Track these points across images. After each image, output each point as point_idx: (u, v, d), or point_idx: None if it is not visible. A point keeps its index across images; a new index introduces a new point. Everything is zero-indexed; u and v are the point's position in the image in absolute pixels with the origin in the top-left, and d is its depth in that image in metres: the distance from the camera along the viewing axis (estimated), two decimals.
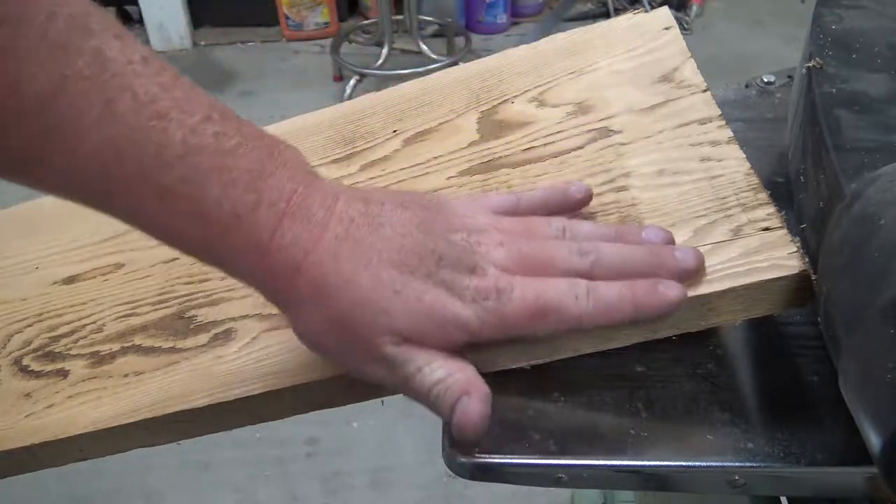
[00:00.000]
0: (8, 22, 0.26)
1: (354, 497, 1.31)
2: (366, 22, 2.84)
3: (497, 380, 0.36)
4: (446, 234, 0.34)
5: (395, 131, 0.51)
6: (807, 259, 0.33)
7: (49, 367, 0.45)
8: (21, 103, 0.27)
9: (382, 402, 0.40)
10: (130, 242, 0.52)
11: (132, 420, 0.40)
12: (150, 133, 0.29)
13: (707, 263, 0.35)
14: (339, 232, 0.32)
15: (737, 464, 0.33)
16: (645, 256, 0.34)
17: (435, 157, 0.48)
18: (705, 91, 0.44)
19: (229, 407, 0.39)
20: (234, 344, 0.42)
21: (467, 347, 0.34)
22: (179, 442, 0.42)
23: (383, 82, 2.45)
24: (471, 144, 0.48)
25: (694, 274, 0.34)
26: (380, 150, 0.50)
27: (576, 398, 0.36)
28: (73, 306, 0.49)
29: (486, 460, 0.34)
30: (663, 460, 0.33)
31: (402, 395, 0.35)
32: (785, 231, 0.35)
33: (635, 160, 0.42)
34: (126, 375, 0.43)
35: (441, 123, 0.50)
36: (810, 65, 0.40)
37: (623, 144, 0.43)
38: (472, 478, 0.35)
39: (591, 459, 0.34)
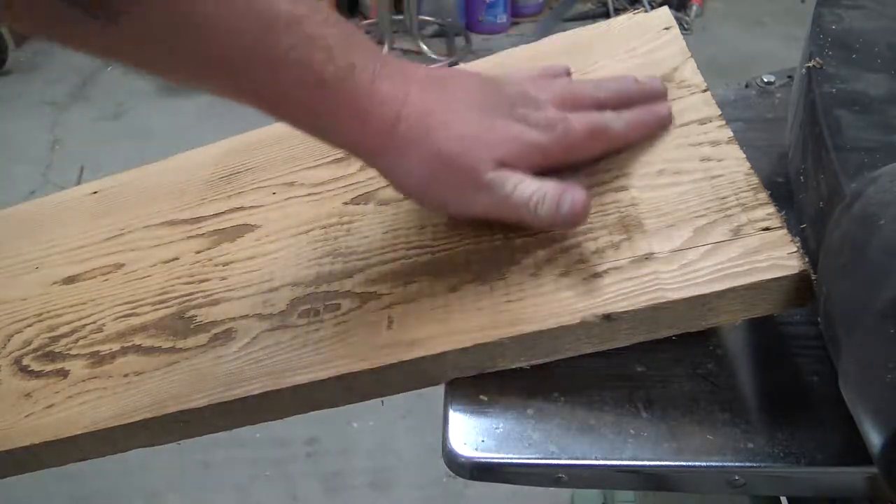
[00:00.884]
0: None
1: (354, 497, 1.31)
2: (366, 22, 2.84)
3: (497, 380, 0.37)
4: (507, 86, 0.41)
5: None
6: (807, 259, 0.33)
7: (49, 367, 0.45)
8: None
9: (382, 402, 0.40)
10: (130, 242, 0.52)
11: (132, 420, 0.40)
12: (261, 8, 0.32)
13: (707, 263, 0.35)
14: (422, 87, 0.37)
15: (737, 464, 0.33)
16: (633, 85, 0.44)
17: None
18: (705, 91, 0.44)
19: (229, 407, 0.39)
20: (234, 344, 0.42)
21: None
22: (179, 442, 0.42)
23: None
24: None
25: (664, 92, 0.44)
26: None
27: (576, 398, 0.36)
28: (73, 306, 0.49)
29: (486, 460, 0.35)
30: (663, 460, 0.33)
31: (400, 393, 0.35)
32: (785, 231, 0.35)
33: (635, 160, 0.42)
34: (126, 375, 0.43)
35: None
36: (810, 65, 0.40)
37: None
38: (472, 477, 0.35)
39: (591, 459, 0.34)
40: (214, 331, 0.43)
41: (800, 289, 0.33)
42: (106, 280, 0.50)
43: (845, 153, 0.34)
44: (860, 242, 0.28)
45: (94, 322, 0.47)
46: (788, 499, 0.40)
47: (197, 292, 0.46)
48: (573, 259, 0.38)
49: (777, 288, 0.33)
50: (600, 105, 0.42)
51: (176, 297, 0.46)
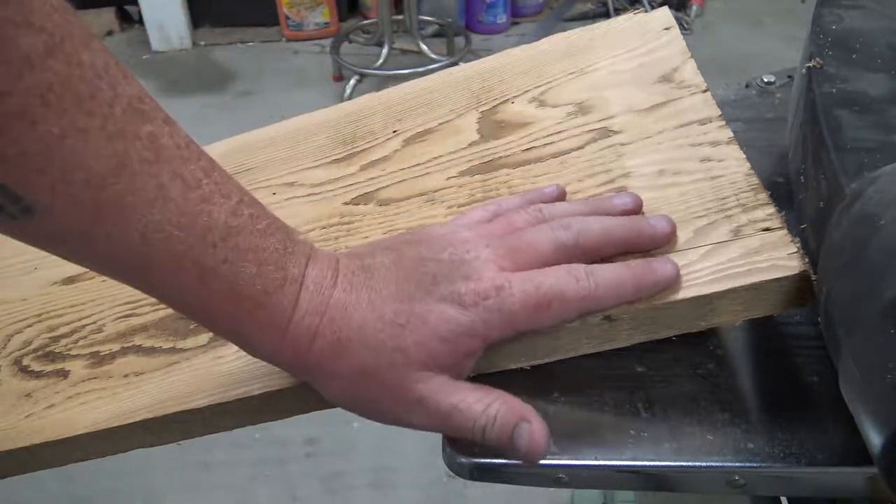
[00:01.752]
0: (74, 106, 0.26)
1: (354, 497, 1.31)
2: (366, 22, 2.84)
3: (497, 380, 0.36)
4: (434, 255, 0.34)
5: (395, 131, 0.51)
6: (807, 259, 0.33)
7: (49, 368, 0.45)
8: (79, 182, 0.27)
9: None
10: None
11: (132, 420, 0.40)
12: (198, 216, 0.29)
13: (707, 264, 0.35)
14: (346, 286, 0.33)
15: (737, 464, 0.33)
16: (624, 223, 0.36)
17: (435, 158, 0.48)
18: (705, 91, 0.44)
19: (229, 407, 0.39)
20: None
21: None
22: (179, 442, 0.42)
23: (383, 82, 2.45)
24: (471, 144, 0.48)
25: (670, 237, 0.36)
26: (380, 150, 0.50)
27: (576, 398, 0.36)
28: (73, 306, 0.49)
29: (486, 460, 0.35)
30: (663, 460, 0.33)
31: None
32: (785, 231, 0.35)
33: (635, 160, 0.42)
34: (126, 376, 0.43)
35: (441, 123, 0.50)
36: (810, 65, 0.40)
37: (623, 145, 0.43)
38: (472, 478, 0.35)
39: (591, 459, 0.34)
40: None
41: (800, 289, 0.33)
42: (105, 280, 0.50)
43: (845, 153, 0.34)
44: (860, 242, 0.28)
45: (94, 322, 0.47)
46: (788, 499, 0.40)
47: None
48: None
49: (777, 288, 0.33)
50: (570, 253, 0.34)
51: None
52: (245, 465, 1.36)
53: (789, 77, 0.56)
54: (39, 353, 0.47)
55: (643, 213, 0.38)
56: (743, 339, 0.38)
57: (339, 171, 0.50)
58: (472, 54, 2.53)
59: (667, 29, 0.50)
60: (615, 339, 0.36)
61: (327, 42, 2.74)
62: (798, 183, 0.41)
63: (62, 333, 0.47)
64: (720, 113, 0.42)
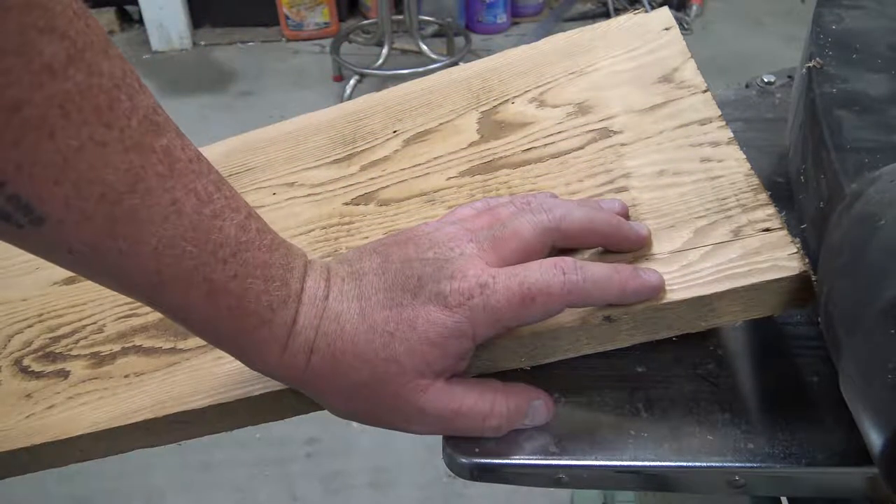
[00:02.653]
0: (94, 117, 0.25)
1: (354, 497, 1.31)
2: (366, 22, 2.84)
3: (497, 380, 0.36)
4: (419, 255, 0.34)
5: (395, 131, 0.51)
6: (807, 259, 0.33)
7: (49, 368, 0.45)
8: (95, 196, 0.26)
9: None
10: None
11: (133, 421, 0.40)
12: (210, 232, 0.29)
13: (707, 264, 0.35)
14: (337, 295, 0.33)
15: (737, 464, 0.33)
16: (606, 216, 0.36)
17: (435, 158, 0.48)
18: (705, 91, 0.44)
19: (230, 408, 0.39)
20: None
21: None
22: (180, 443, 0.42)
23: (383, 82, 2.45)
24: (471, 145, 0.48)
25: (645, 242, 0.36)
26: (380, 151, 0.50)
27: (576, 398, 0.36)
28: (73, 307, 0.49)
29: (486, 460, 0.35)
30: (663, 460, 0.33)
31: None
32: (785, 232, 0.35)
33: (635, 161, 0.42)
34: (126, 376, 0.43)
35: (441, 124, 0.50)
36: (810, 65, 0.40)
37: (623, 145, 0.43)
38: (472, 478, 0.35)
39: (591, 459, 0.34)
40: None
41: (800, 289, 0.33)
42: None
43: (845, 153, 0.34)
44: (860, 242, 0.28)
45: (94, 322, 0.47)
46: (788, 499, 0.40)
47: None
48: None
49: (777, 289, 0.33)
50: (552, 235, 0.35)
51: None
52: (245, 465, 1.36)
53: (789, 77, 0.56)
54: (40, 353, 0.47)
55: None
56: (743, 339, 0.38)
57: (340, 172, 0.50)
58: (472, 54, 2.53)
59: (667, 29, 0.50)
60: (615, 339, 0.36)
61: (327, 42, 2.75)
62: (798, 183, 0.41)
63: (62, 334, 0.47)
64: (720, 113, 0.42)
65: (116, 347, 0.45)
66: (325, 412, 0.40)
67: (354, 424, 1.35)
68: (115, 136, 0.26)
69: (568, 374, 0.37)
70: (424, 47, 2.53)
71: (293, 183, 0.51)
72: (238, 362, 0.40)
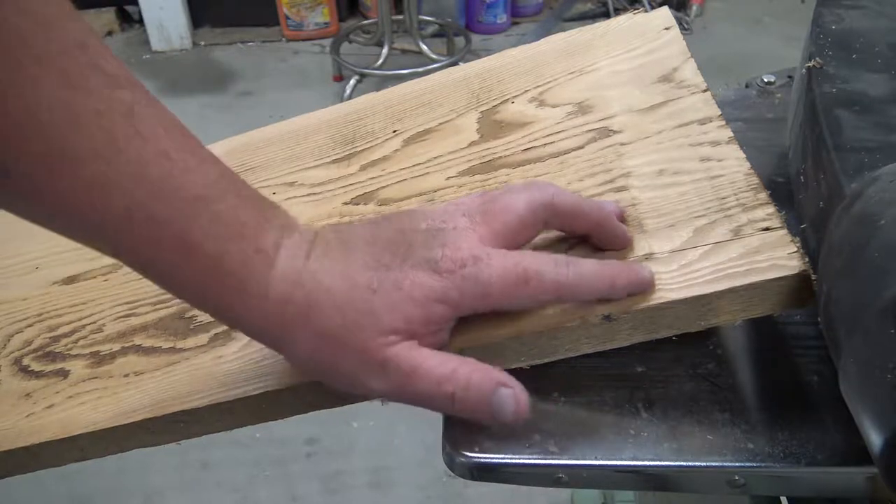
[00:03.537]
0: (36, 55, 0.26)
1: (354, 497, 1.31)
2: (366, 22, 2.84)
3: None
4: (412, 226, 0.34)
5: (395, 131, 0.51)
6: (807, 259, 0.33)
7: (49, 368, 0.45)
8: (32, 128, 0.27)
9: (382, 402, 0.40)
10: None
11: (132, 420, 0.40)
12: (180, 189, 0.29)
13: (707, 263, 0.35)
14: (319, 255, 0.33)
15: (737, 464, 0.33)
16: (596, 204, 0.36)
17: (435, 157, 0.48)
18: (705, 91, 0.44)
19: (229, 407, 0.39)
20: (234, 344, 0.42)
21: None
22: (179, 442, 0.42)
23: (383, 82, 2.45)
24: (471, 144, 0.48)
25: (628, 243, 0.36)
26: (380, 150, 0.50)
27: (576, 398, 0.36)
28: (73, 306, 0.49)
29: (486, 460, 0.34)
30: (663, 460, 0.33)
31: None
32: (785, 231, 0.35)
33: (635, 160, 0.42)
34: (126, 375, 0.43)
35: (441, 123, 0.50)
36: (810, 65, 0.40)
37: (623, 144, 0.43)
38: (472, 478, 0.35)
39: (591, 459, 0.34)
40: (214, 331, 0.43)
41: (800, 289, 0.33)
42: (106, 280, 0.50)
43: (845, 153, 0.34)
44: (860, 242, 0.28)
45: (94, 322, 0.47)
46: (788, 499, 0.40)
47: None
48: None
49: (777, 288, 0.33)
50: (545, 212, 0.35)
51: (176, 298, 0.46)
52: (245, 465, 1.36)
53: (789, 77, 0.56)
54: (39, 352, 0.47)
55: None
56: (743, 339, 0.38)
57: (339, 171, 0.50)
58: (472, 54, 2.53)
59: (667, 29, 0.50)
60: (615, 338, 0.36)
61: (327, 42, 2.75)
62: (798, 183, 0.41)
63: (62, 333, 0.47)
64: (720, 113, 0.42)
65: (116, 347, 0.45)
66: (326, 412, 0.40)
67: (354, 424, 1.34)
68: (79, 98, 0.27)
69: (568, 374, 0.37)
70: (424, 47, 2.53)
71: (293, 182, 0.51)
72: (237, 362, 0.40)
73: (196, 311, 0.45)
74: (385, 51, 2.50)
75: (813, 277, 0.33)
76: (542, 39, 0.54)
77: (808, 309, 0.34)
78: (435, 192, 0.45)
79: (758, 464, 0.33)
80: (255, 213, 0.32)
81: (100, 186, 0.28)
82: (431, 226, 0.34)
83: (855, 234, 0.29)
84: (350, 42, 2.74)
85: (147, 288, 0.48)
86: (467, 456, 0.35)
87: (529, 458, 0.34)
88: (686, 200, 0.38)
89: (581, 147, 0.44)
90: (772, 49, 2.54)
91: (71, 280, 0.51)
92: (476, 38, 2.75)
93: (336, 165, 0.51)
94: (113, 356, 0.44)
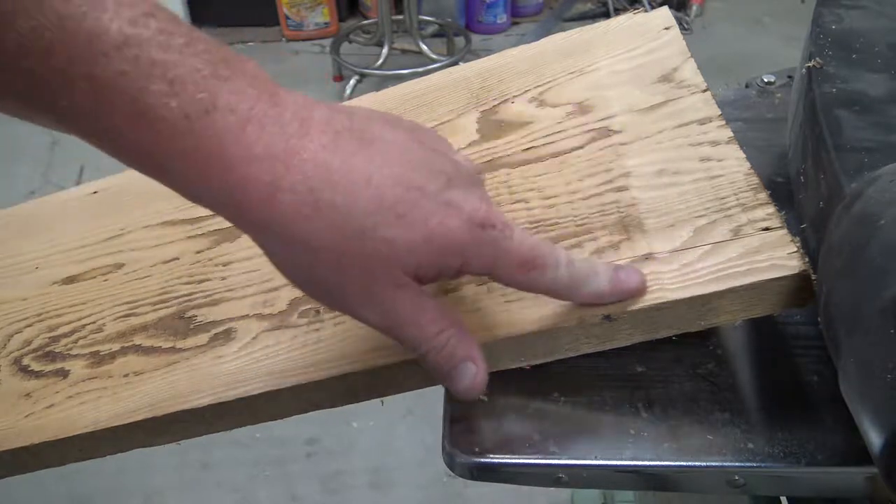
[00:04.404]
0: None
1: (354, 497, 1.31)
2: (366, 22, 2.84)
3: (497, 380, 0.36)
4: (445, 153, 0.32)
5: None
6: (807, 259, 0.33)
7: (49, 367, 0.45)
8: None
9: (382, 402, 0.40)
10: (130, 242, 0.52)
11: (132, 420, 0.40)
12: (82, 21, 0.25)
13: (707, 263, 0.35)
14: (326, 142, 0.28)
15: (737, 464, 0.33)
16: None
17: None
18: (705, 91, 0.44)
19: (229, 407, 0.39)
20: (234, 344, 0.42)
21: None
22: (179, 442, 0.42)
23: (383, 82, 2.45)
24: (471, 144, 0.48)
25: (638, 291, 0.35)
26: None
27: (576, 398, 0.36)
28: (73, 306, 0.49)
29: (486, 460, 0.35)
30: (663, 460, 0.33)
31: (400, 393, 0.35)
32: (785, 231, 0.35)
33: (635, 160, 0.42)
34: (126, 375, 0.43)
35: (441, 123, 0.50)
36: (810, 65, 0.40)
37: (623, 144, 0.43)
38: (472, 478, 0.35)
39: (591, 459, 0.34)
40: (214, 331, 0.43)
41: (800, 289, 0.33)
42: (106, 280, 0.50)
43: (845, 153, 0.34)
44: (860, 242, 0.28)
45: (94, 322, 0.47)
46: (788, 499, 0.40)
47: (197, 292, 0.46)
48: None
49: (777, 288, 0.33)
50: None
51: (176, 297, 0.46)
52: (245, 465, 1.36)
53: (789, 77, 0.56)
54: (39, 352, 0.47)
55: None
56: (743, 339, 0.38)
57: None
58: (472, 54, 2.53)
59: (666, 29, 0.50)
60: (615, 338, 0.36)
61: (327, 42, 2.74)
62: (798, 183, 0.41)
63: (62, 333, 0.47)
64: (720, 113, 0.42)
65: (116, 347, 0.45)
66: (325, 412, 0.40)
67: (354, 424, 1.34)
68: None
69: (568, 374, 0.37)
70: (424, 47, 2.53)
71: None
72: (237, 362, 0.40)
73: (196, 311, 0.45)
74: (385, 51, 2.50)
75: (813, 277, 0.33)
76: (542, 39, 0.54)
77: (808, 309, 0.34)
78: None
79: (758, 464, 0.33)
80: (200, 63, 0.27)
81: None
82: (465, 168, 0.32)
83: (855, 234, 0.29)
84: (350, 42, 2.73)
85: (147, 288, 0.48)
86: (467, 456, 0.35)
87: (529, 458, 0.34)
88: (686, 200, 0.38)
89: (581, 147, 0.44)
90: (772, 49, 2.54)
91: (71, 280, 0.51)
92: (476, 38, 2.75)
93: None
94: (113, 356, 0.44)
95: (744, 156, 0.39)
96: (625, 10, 2.79)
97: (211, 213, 0.51)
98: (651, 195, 0.39)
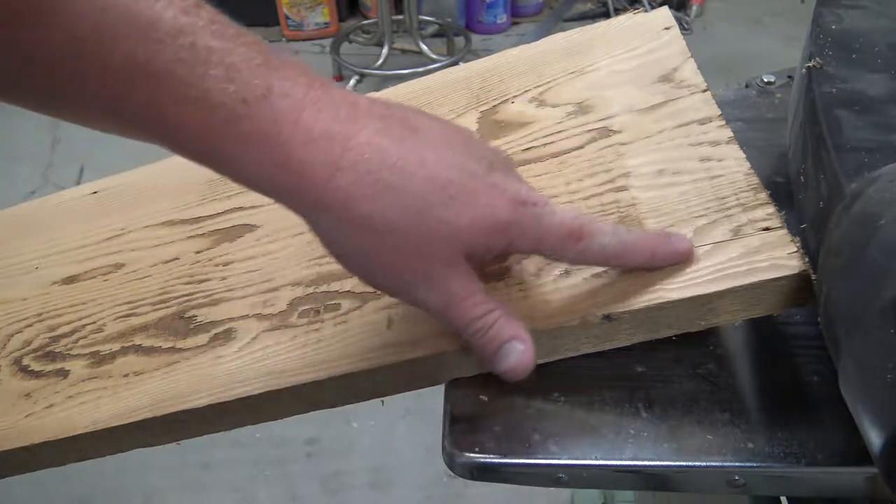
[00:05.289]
0: None
1: (354, 497, 1.31)
2: (366, 22, 2.84)
3: (497, 380, 0.36)
4: (482, 142, 0.33)
5: None
6: (807, 259, 0.33)
7: (49, 367, 0.45)
8: None
9: (382, 402, 0.40)
10: (130, 242, 0.52)
11: (132, 420, 0.40)
12: (134, 5, 0.26)
13: (707, 263, 0.35)
14: (379, 127, 0.30)
15: (737, 464, 0.33)
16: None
17: None
18: (705, 91, 0.44)
19: (229, 407, 0.39)
20: (234, 344, 0.42)
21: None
22: (179, 442, 0.42)
23: (383, 82, 2.45)
24: None
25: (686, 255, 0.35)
26: None
27: (576, 398, 0.36)
28: (73, 306, 0.49)
29: (487, 460, 0.34)
30: (663, 460, 0.33)
31: (400, 393, 0.35)
32: (785, 231, 0.35)
33: (635, 160, 0.42)
34: (126, 375, 0.43)
35: None
36: (810, 65, 0.40)
37: (623, 144, 0.43)
38: (472, 478, 0.35)
39: (591, 459, 0.34)
40: (214, 331, 0.43)
41: (800, 289, 0.33)
42: (106, 280, 0.50)
43: (845, 153, 0.34)
44: (860, 242, 0.28)
45: (94, 322, 0.47)
46: (788, 499, 0.40)
47: (197, 292, 0.46)
48: None
49: (777, 288, 0.33)
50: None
51: (176, 297, 0.46)
52: (245, 465, 1.36)
53: (789, 77, 0.56)
54: (39, 352, 0.47)
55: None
56: (743, 339, 0.38)
57: None
58: (472, 54, 2.53)
59: (667, 29, 0.50)
60: (615, 338, 0.36)
61: (327, 42, 2.74)
62: (798, 183, 0.41)
63: (62, 333, 0.47)
64: (720, 112, 0.42)
65: (116, 347, 0.45)
66: (326, 412, 0.40)
67: (354, 424, 1.34)
68: None
69: (568, 374, 0.37)
70: (424, 47, 2.53)
71: None
72: (237, 362, 0.40)
73: (196, 311, 0.45)
74: (385, 51, 2.50)
75: (813, 277, 0.33)
76: (542, 39, 0.54)
77: (808, 309, 0.34)
78: None
79: (758, 464, 0.33)
80: (251, 52, 0.28)
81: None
82: (501, 154, 0.34)
83: (855, 234, 0.29)
84: (350, 42, 2.73)
85: (147, 288, 0.48)
86: (467, 456, 0.35)
87: (529, 458, 0.34)
88: (686, 200, 0.38)
89: (581, 147, 0.44)
90: (772, 49, 2.54)
91: (71, 280, 0.51)
92: (476, 38, 2.75)
93: None
94: (113, 356, 0.44)
95: (744, 156, 0.39)
96: (625, 10, 2.79)
97: (211, 213, 0.51)
98: (651, 195, 0.39)
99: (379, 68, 2.47)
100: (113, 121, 0.29)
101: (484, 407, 0.37)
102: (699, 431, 0.34)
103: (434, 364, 0.37)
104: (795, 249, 0.34)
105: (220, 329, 0.43)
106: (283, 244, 0.47)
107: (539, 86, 0.50)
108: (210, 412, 0.40)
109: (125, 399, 0.41)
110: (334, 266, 0.43)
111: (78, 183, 1.11)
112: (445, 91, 0.53)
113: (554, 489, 1.17)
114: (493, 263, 0.35)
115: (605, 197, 0.40)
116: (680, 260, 0.35)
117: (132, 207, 0.55)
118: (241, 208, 0.51)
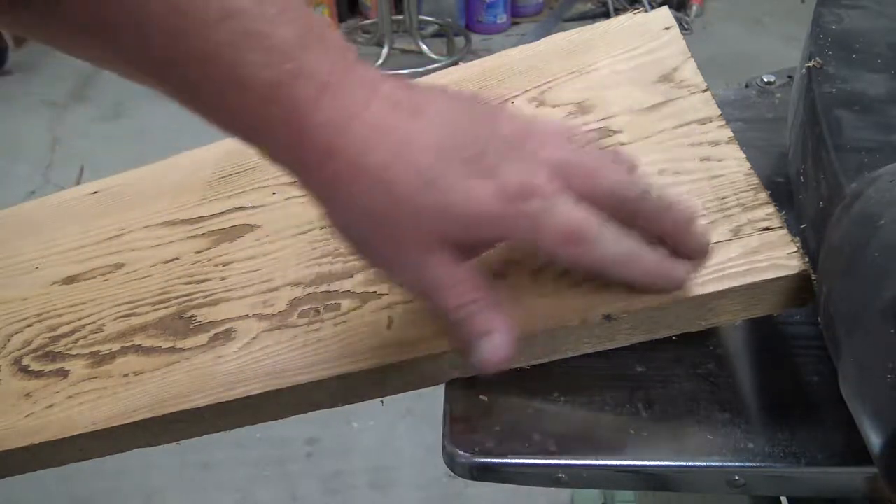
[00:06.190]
0: None
1: (354, 497, 1.31)
2: (366, 22, 2.84)
3: (497, 380, 0.36)
4: (494, 124, 0.32)
5: None
6: (807, 259, 0.33)
7: (49, 367, 0.45)
8: None
9: (382, 402, 0.40)
10: (130, 242, 0.52)
11: (132, 420, 0.40)
12: None
13: (707, 263, 0.35)
14: (379, 114, 0.30)
15: (737, 464, 0.33)
16: (681, 216, 0.33)
17: None
18: (705, 91, 0.44)
19: (229, 407, 0.39)
20: (234, 344, 0.42)
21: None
22: (179, 442, 0.42)
23: None
24: None
25: (705, 252, 0.34)
26: None
27: (576, 398, 0.36)
28: (73, 306, 0.49)
29: (486, 460, 0.34)
30: (663, 460, 0.33)
31: (400, 393, 0.35)
32: (785, 231, 0.35)
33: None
34: (126, 375, 0.43)
35: None
36: (810, 65, 0.40)
37: (623, 144, 0.43)
38: (472, 477, 0.35)
39: (591, 459, 0.34)
40: (214, 331, 0.43)
41: (800, 289, 0.33)
42: (106, 280, 0.50)
43: (845, 153, 0.34)
44: (860, 242, 0.28)
45: (94, 322, 0.47)
46: (788, 499, 0.40)
47: (197, 292, 0.46)
48: None
49: (777, 288, 0.33)
50: (627, 194, 0.32)
51: (176, 298, 0.46)
52: (245, 465, 1.36)
53: (789, 77, 0.56)
54: (39, 352, 0.47)
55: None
56: (743, 339, 0.38)
57: None
58: (472, 54, 2.53)
59: (667, 29, 0.50)
60: (615, 338, 0.36)
61: None
62: (798, 183, 0.41)
63: (62, 333, 0.47)
64: (720, 112, 0.42)
65: (116, 347, 0.45)
66: (325, 412, 0.40)
67: (354, 424, 1.34)
68: None
69: (568, 374, 0.37)
70: (424, 47, 2.53)
71: (293, 182, 0.51)
72: (237, 362, 0.40)
73: (196, 311, 0.45)
74: (385, 51, 2.50)
75: (813, 277, 0.33)
76: (542, 39, 0.54)
77: (808, 309, 0.34)
78: None
79: (758, 464, 0.33)
80: (290, 33, 0.29)
81: None
82: (515, 138, 0.32)
83: (855, 234, 0.29)
84: (350, 42, 2.73)
85: (147, 288, 0.48)
86: (467, 456, 0.35)
87: (529, 458, 0.34)
88: (686, 200, 0.38)
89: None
90: (772, 49, 2.54)
91: (71, 280, 0.51)
92: (476, 38, 2.75)
93: None
94: (113, 356, 0.44)
95: (744, 156, 0.39)
96: (625, 10, 2.79)
97: (211, 213, 0.51)
98: None
99: (379, 68, 2.47)
100: (177, 96, 0.30)
101: (484, 407, 0.37)
102: (699, 431, 0.34)
103: (434, 364, 0.37)
104: (795, 249, 0.34)
105: (220, 329, 0.43)
106: (283, 244, 0.47)
107: (539, 86, 0.50)
108: (210, 412, 0.40)
109: (125, 399, 0.41)
110: (334, 266, 0.43)
111: (78, 183, 1.11)
112: None
113: (554, 489, 1.17)
114: (485, 250, 0.34)
115: None
116: (673, 288, 0.34)
117: (132, 207, 0.55)
118: (240, 208, 0.51)
